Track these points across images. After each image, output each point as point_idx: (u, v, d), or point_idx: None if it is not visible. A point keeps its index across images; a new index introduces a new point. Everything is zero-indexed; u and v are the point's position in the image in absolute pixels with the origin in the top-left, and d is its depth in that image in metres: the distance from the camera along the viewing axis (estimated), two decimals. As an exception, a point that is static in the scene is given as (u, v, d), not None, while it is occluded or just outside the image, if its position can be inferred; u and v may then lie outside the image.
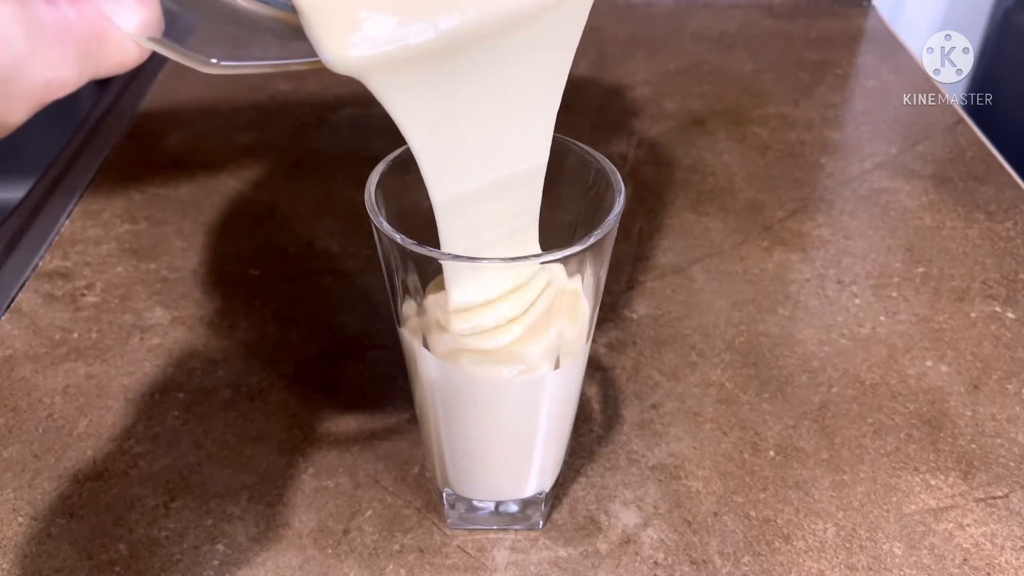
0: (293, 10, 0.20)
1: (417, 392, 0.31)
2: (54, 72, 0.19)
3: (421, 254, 0.26)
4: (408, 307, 0.29)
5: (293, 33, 0.21)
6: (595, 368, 0.42)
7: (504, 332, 0.27)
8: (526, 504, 0.34)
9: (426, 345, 0.28)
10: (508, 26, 0.23)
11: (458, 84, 0.23)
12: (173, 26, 0.21)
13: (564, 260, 0.26)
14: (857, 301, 0.47)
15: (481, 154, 0.25)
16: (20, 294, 0.47)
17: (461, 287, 0.26)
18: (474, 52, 0.23)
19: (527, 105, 0.25)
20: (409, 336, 0.29)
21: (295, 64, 0.22)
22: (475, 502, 0.34)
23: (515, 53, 0.24)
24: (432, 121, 0.24)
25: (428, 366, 0.29)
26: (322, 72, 0.22)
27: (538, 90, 0.25)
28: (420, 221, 0.29)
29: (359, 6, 0.20)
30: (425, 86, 0.23)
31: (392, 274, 0.28)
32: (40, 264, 0.49)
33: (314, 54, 0.21)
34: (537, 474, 0.34)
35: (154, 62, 0.71)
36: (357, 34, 0.21)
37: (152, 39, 0.20)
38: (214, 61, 0.21)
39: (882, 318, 0.46)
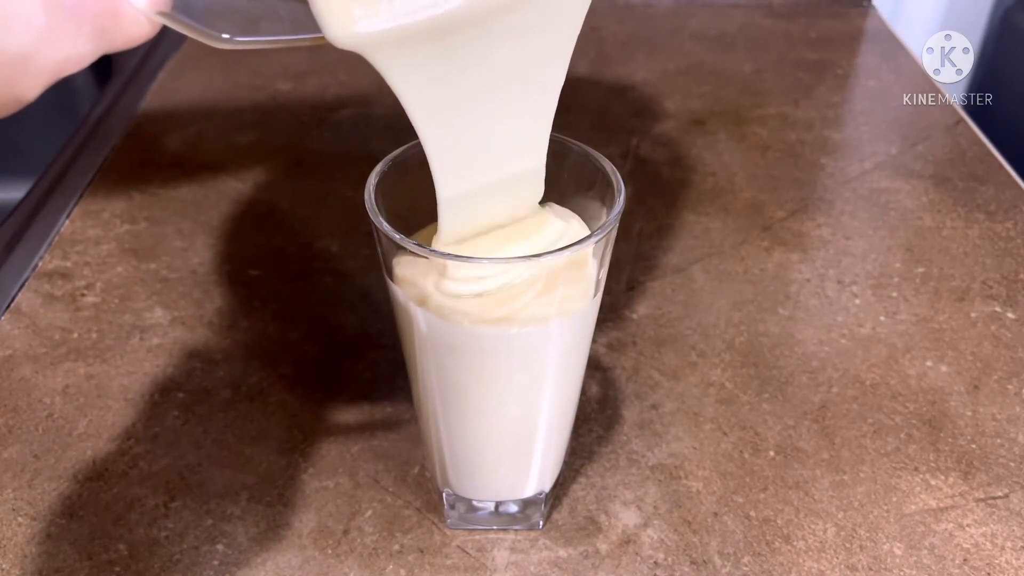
0: None
1: (410, 356, 0.30)
2: (71, 48, 0.19)
3: (421, 254, 0.26)
4: (400, 264, 0.28)
5: (301, 9, 0.21)
6: (595, 368, 0.42)
7: (513, 299, 0.26)
8: (526, 504, 0.34)
9: (421, 304, 0.27)
10: (508, 5, 0.23)
11: (460, 63, 0.23)
12: (185, 2, 0.21)
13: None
14: (857, 301, 0.47)
15: (484, 143, 0.25)
16: (20, 294, 0.47)
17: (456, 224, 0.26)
18: (476, 31, 0.23)
19: (527, 89, 0.25)
20: (403, 295, 0.28)
21: (304, 40, 0.22)
22: (475, 502, 0.34)
23: (517, 33, 0.23)
24: (435, 100, 0.24)
25: (421, 324, 0.28)
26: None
27: (537, 76, 0.25)
28: (420, 220, 0.29)
29: None
30: (428, 64, 0.23)
31: (390, 268, 0.28)
32: (40, 264, 0.49)
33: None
34: (537, 472, 0.34)
35: (154, 62, 0.71)
36: (359, 10, 0.21)
37: (164, 14, 0.20)
38: (226, 36, 0.21)
39: (882, 318, 0.46)
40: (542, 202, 0.29)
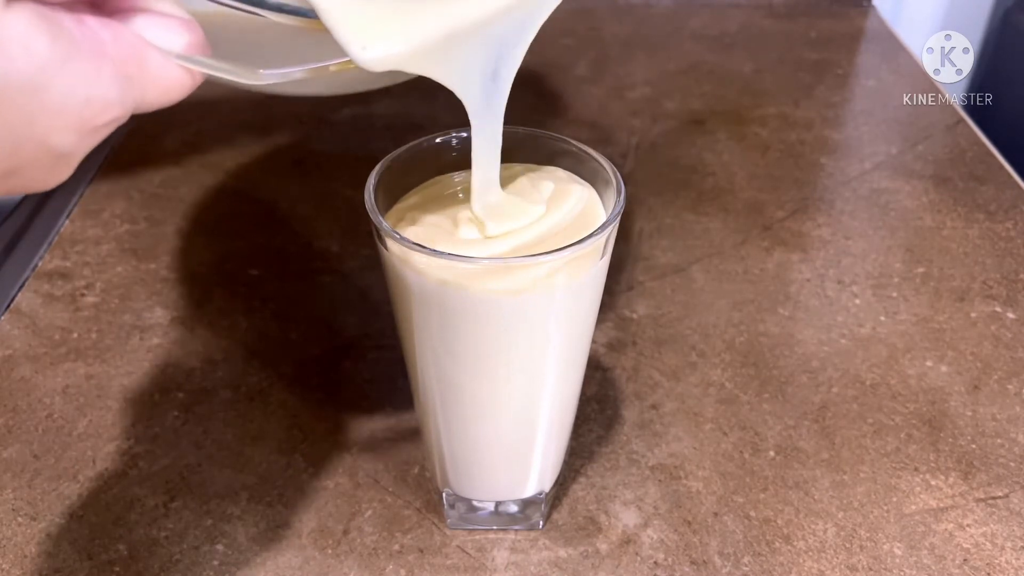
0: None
1: (408, 348, 0.30)
2: (89, 87, 0.18)
3: (423, 253, 0.26)
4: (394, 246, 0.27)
5: (328, 40, 0.21)
6: (595, 368, 0.42)
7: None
8: (526, 504, 0.34)
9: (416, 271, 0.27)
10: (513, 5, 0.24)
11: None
12: (214, 48, 0.21)
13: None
14: (857, 301, 0.47)
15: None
16: (20, 294, 0.47)
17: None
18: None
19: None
20: (399, 263, 0.27)
21: (333, 64, 0.22)
22: (475, 502, 0.34)
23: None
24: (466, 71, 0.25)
25: (417, 291, 0.27)
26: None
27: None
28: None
29: (376, 10, 0.21)
30: (451, 56, 0.24)
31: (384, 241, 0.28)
32: (40, 264, 0.49)
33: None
34: (537, 472, 0.34)
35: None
36: (378, 33, 0.21)
37: (197, 60, 0.20)
38: (262, 72, 0.21)
39: (882, 318, 0.46)
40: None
